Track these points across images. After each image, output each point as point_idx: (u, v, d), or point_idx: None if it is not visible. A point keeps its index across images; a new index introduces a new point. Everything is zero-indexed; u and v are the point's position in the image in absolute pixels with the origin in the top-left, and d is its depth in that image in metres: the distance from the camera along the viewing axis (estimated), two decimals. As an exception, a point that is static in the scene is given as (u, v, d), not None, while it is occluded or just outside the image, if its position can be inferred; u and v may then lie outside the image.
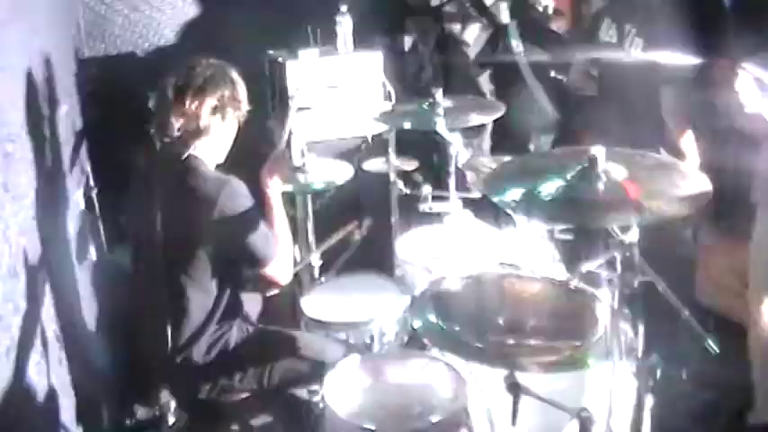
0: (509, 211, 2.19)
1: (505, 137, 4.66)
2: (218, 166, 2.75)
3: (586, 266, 2.46)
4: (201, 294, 2.66)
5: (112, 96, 4.33)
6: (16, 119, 2.47)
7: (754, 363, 3.25)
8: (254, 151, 3.12)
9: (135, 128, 2.83)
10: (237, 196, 2.59)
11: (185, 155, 2.65)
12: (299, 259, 3.42)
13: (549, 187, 2.01)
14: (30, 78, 2.74)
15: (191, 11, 4.86)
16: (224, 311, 2.71)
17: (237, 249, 2.63)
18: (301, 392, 2.77)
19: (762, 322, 3.20)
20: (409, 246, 3.40)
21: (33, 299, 2.34)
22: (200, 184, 2.60)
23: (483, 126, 4.60)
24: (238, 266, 2.77)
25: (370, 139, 4.32)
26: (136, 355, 2.98)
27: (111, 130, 4.19)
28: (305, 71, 4.24)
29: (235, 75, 2.74)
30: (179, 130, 2.63)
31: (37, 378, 2.27)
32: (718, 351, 2.02)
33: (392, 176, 3.61)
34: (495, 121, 3.45)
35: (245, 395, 2.78)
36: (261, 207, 2.72)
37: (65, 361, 2.67)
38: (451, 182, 3.44)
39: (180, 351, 2.67)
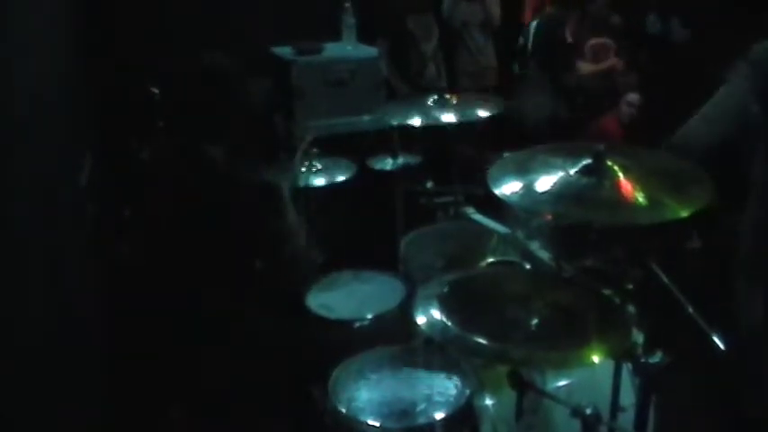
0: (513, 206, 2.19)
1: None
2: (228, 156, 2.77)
3: (590, 262, 2.45)
4: None
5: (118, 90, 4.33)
6: (19, 108, 2.46)
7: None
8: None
9: (140, 121, 2.84)
10: None
11: None
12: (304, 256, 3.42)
13: (553, 181, 2.02)
14: (34, 67, 2.74)
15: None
16: None
17: None
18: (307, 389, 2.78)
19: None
20: (413, 242, 3.39)
21: (36, 292, 2.34)
22: None
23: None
24: None
25: (373, 136, 4.32)
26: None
27: (116, 123, 4.19)
28: (308, 67, 4.24)
29: None
30: None
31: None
32: (723, 347, 2.01)
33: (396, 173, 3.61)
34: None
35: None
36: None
37: (62, 354, 2.67)
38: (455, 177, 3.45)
39: None
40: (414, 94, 4.77)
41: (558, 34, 5.79)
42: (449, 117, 3.09)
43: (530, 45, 5.83)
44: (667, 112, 3.99)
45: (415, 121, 3.08)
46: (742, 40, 3.26)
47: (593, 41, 5.82)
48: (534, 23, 5.90)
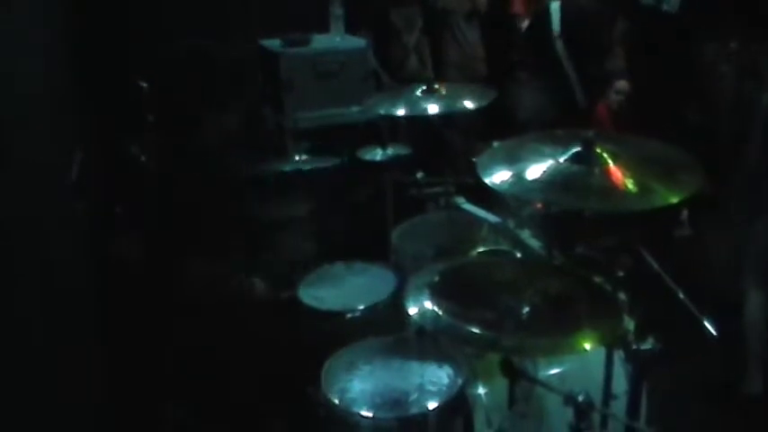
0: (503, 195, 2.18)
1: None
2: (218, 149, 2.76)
3: (581, 250, 2.46)
4: None
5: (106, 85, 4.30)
6: (8, 104, 2.45)
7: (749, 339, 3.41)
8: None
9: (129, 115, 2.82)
10: None
11: None
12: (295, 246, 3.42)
13: (543, 170, 2.02)
14: (26, 64, 2.73)
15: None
16: None
17: None
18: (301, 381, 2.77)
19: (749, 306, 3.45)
20: (404, 232, 3.39)
21: (28, 290, 2.33)
22: None
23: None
24: None
25: (363, 127, 4.30)
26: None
27: (105, 118, 4.16)
28: (297, 59, 4.22)
29: None
30: None
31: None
32: (715, 334, 2.02)
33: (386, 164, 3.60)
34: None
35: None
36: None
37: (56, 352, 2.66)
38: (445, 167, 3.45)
39: None
40: (395, 85, 4.76)
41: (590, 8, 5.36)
42: (437, 107, 3.08)
43: (555, 27, 5.37)
44: (655, 99, 4.03)
45: (403, 112, 3.07)
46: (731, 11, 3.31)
47: None
48: (557, 3, 5.43)
